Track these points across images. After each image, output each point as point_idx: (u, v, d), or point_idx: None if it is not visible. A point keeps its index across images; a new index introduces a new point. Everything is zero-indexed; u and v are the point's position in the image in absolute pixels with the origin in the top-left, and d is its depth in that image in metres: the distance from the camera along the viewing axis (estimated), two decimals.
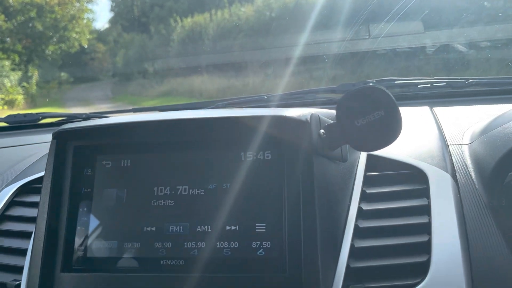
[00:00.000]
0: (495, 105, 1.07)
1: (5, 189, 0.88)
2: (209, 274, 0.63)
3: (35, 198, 0.84)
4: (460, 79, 1.25)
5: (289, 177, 0.63)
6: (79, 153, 0.72)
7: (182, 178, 0.68)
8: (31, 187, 0.88)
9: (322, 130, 0.64)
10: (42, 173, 0.88)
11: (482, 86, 1.22)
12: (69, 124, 0.73)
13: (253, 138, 0.65)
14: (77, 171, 0.71)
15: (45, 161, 0.93)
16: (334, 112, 0.73)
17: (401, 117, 0.59)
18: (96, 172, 0.71)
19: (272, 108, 0.68)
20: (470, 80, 1.23)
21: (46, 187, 0.71)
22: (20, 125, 1.47)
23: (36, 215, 0.78)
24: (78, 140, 0.72)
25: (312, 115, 0.64)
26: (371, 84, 0.60)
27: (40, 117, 1.47)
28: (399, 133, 0.59)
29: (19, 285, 0.70)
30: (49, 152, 0.72)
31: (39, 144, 1.18)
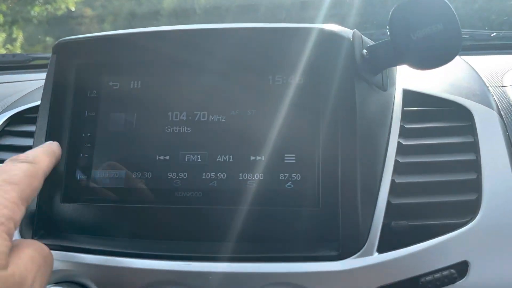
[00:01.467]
0: None
1: None
2: (230, 206, 0.56)
3: (28, 128, 0.76)
4: (484, 32, 1.18)
5: (326, 103, 0.56)
6: (83, 72, 0.63)
7: (201, 102, 0.60)
8: (24, 117, 0.79)
9: (365, 50, 0.56)
10: (36, 103, 0.79)
11: (507, 40, 1.16)
12: (70, 36, 0.64)
13: (283, 56, 0.57)
14: (80, 92, 0.63)
15: (38, 93, 0.84)
16: (366, 38, 0.65)
17: (461, 33, 0.52)
18: (101, 94, 0.63)
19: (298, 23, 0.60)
20: (494, 34, 1.16)
21: (45, 108, 0.62)
22: (9, 65, 1.37)
23: (30, 144, 0.70)
24: (81, 56, 0.63)
25: (355, 32, 0.56)
26: None
27: (31, 58, 1.37)
28: (460, 49, 0.52)
29: None
30: (48, 69, 0.63)
31: (31, 82, 1.09)
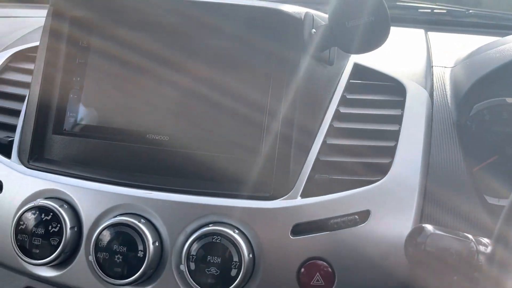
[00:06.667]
0: (489, 37, 1.09)
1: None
2: (190, 150, 0.68)
3: (28, 65, 0.86)
4: (461, 8, 1.25)
5: (276, 71, 0.66)
6: (76, 24, 0.73)
7: (177, 62, 0.70)
8: (25, 55, 0.89)
9: (313, 30, 0.66)
10: (37, 43, 0.89)
11: (481, 18, 1.23)
12: None
13: (246, 28, 0.67)
14: (73, 42, 0.73)
15: (38, 33, 0.94)
16: (320, 20, 0.75)
17: (389, 25, 0.61)
18: (91, 44, 0.73)
19: (267, 1, 0.69)
20: (470, 11, 1.23)
21: (42, 53, 0.73)
22: None
23: (29, 81, 0.81)
24: (76, 10, 0.73)
25: (306, 13, 0.66)
26: None
27: None
28: (385, 40, 0.61)
29: (12, 141, 0.74)
30: (45, 19, 0.73)
31: (30, 18, 1.18)
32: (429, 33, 1.06)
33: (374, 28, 0.60)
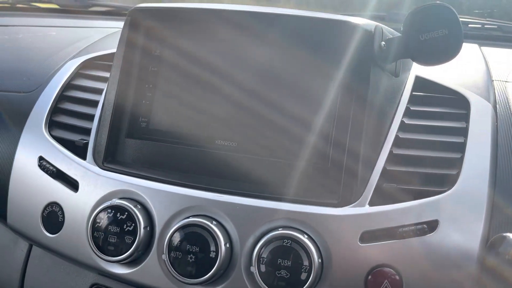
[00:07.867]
0: None
1: (70, 61, 0.94)
2: (258, 156, 0.70)
3: (98, 73, 0.91)
4: None
5: (346, 81, 0.68)
6: (150, 33, 0.77)
7: (247, 71, 0.73)
8: (94, 63, 0.94)
9: (383, 42, 0.68)
10: (105, 52, 0.94)
11: None
12: (143, 4, 0.78)
13: (316, 39, 0.70)
14: (147, 50, 0.77)
15: (105, 42, 0.99)
16: (390, 29, 0.76)
17: (462, 38, 0.63)
18: (164, 53, 0.76)
19: (335, 14, 0.71)
20: None
21: (118, 61, 0.77)
22: (70, 9, 1.51)
23: (100, 87, 0.85)
24: (151, 20, 0.76)
25: (376, 26, 0.68)
26: (439, 2, 0.63)
27: (91, 4, 1.51)
28: (458, 52, 0.63)
29: (87, 144, 0.78)
30: (122, 29, 0.77)
31: (94, 28, 1.23)
32: (482, 48, 1.07)
33: (447, 41, 0.62)
